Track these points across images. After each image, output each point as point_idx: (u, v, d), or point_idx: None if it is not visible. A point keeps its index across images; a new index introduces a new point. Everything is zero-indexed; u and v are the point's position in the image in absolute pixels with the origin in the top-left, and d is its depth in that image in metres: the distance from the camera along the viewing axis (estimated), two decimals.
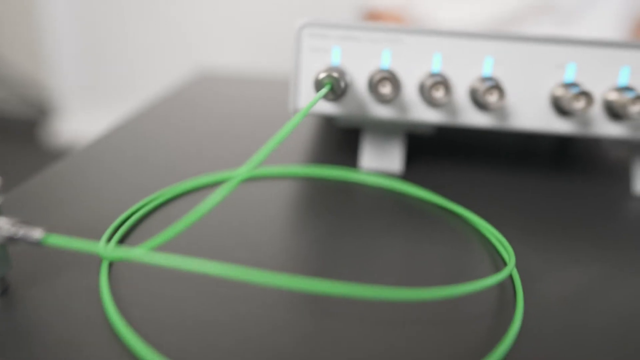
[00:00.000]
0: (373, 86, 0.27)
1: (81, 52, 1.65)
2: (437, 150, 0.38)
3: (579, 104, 0.27)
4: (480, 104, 0.28)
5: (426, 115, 0.29)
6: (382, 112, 0.30)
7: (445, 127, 0.40)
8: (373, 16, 1.04)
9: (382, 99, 0.28)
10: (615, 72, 0.28)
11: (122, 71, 1.64)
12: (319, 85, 0.26)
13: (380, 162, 0.33)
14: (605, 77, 0.28)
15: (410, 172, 0.33)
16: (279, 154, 0.35)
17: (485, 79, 0.28)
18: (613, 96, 0.28)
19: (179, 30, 1.54)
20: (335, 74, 0.26)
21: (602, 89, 0.28)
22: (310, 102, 0.22)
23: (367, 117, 0.30)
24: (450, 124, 0.30)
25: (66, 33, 1.63)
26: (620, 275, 0.23)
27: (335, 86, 0.25)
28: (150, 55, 1.59)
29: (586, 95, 0.27)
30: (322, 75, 0.26)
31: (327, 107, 0.30)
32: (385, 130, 0.33)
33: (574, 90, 0.27)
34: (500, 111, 0.29)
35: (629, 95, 0.27)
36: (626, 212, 0.30)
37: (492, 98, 0.27)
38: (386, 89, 0.27)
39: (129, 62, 1.62)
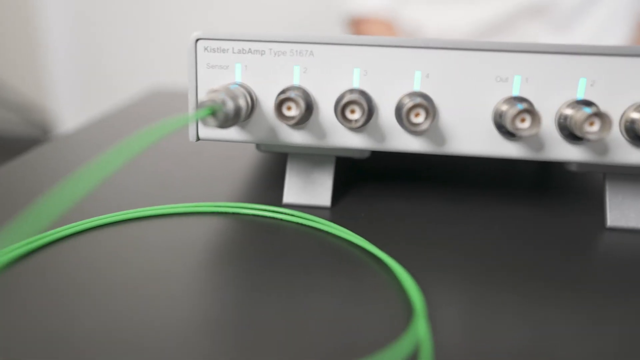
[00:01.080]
0: (277, 108, 0.23)
1: (80, 77, 1.64)
2: (378, 176, 0.33)
3: (524, 124, 0.22)
4: (405, 125, 0.23)
5: (346, 139, 0.25)
6: (296, 137, 0.25)
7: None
8: (359, 23, 1.00)
9: (289, 123, 0.23)
10: (571, 84, 0.23)
11: (118, 92, 1.62)
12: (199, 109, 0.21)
13: (307, 196, 0.28)
14: (559, 90, 0.23)
15: (344, 204, 0.28)
16: (209, 187, 0.31)
17: (412, 95, 0.23)
18: (568, 113, 0.23)
19: (179, 54, 1.51)
20: (219, 98, 0.21)
21: (555, 105, 0.23)
22: (157, 131, 0.17)
23: (280, 144, 0.25)
24: (377, 149, 0.25)
25: (66, 58, 1.63)
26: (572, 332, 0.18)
27: (218, 112, 0.21)
28: (149, 78, 1.57)
29: (530, 112, 0.22)
30: (202, 99, 0.21)
31: (228, 134, 0.25)
32: (311, 157, 0.28)
33: (518, 107, 0.22)
34: (433, 133, 0.24)
35: (586, 111, 0.22)
36: (589, 250, 0.25)
37: (419, 118, 0.22)
38: (292, 112, 0.23)
39: (124, 83, 1.60)
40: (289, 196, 0.28)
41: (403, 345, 0.16)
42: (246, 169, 0.34)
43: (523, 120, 0.22)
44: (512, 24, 0.89)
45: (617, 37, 0.94)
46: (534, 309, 0.19)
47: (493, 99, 0.23)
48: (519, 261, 0.23)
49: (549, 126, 0.23)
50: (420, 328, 0.17)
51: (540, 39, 0.90)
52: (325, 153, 0.28)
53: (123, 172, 0.33)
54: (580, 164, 0.26)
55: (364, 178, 0.33)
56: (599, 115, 0.21)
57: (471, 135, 0.24)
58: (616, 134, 0.23)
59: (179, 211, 0.27)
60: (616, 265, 0.23)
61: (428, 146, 0.24)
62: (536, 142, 0.24)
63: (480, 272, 0.22)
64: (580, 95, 0.23)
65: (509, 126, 0.22)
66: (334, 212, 0.28)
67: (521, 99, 0.23)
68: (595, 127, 0.22)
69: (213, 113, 0.21)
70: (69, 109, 1.71)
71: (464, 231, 0.26)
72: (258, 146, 0.29)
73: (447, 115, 0.24)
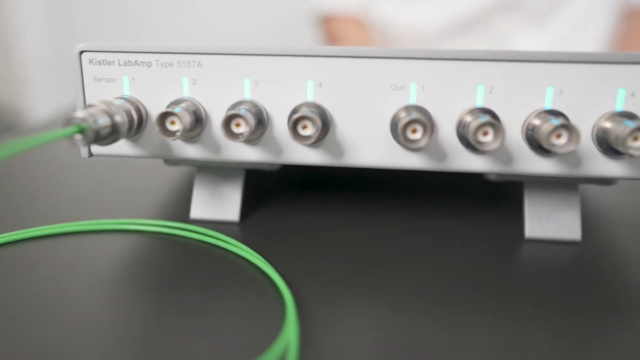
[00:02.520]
0: (159, 122, 0.22)
1: (55, 77, 1.62)
2: (300, 187, 0.32)
3: (415, 135, 0.21)
4: (294, 138, 0.22)
5: (240, 153, 0.23)
6: (189, 151, 0.24)
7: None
8: (330, 21, 0.98)
9: (172, 138, 0.22)
10: (469, 91, 0.22)
11: None
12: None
13: (214, 211, 0.27)
14: (458, 96, 0.22)
15: (256, 218, 0.27)
16: (119, 203, 0.30)
17: (304, 106, 0.22)
18: (467, 120, 0.21)
19: None
20: (91, 115, 0.20)
21: (456, 113, 0.22)
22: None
23: (174, 158, 0.24)
24: (273, 161, 0.24)
25: (42, 63, 1.61)
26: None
27: (87, 130, 0.20)
28: None
29: (420, 122, 0.21)
30: (70, 116, 0.20)
31: (121, 149, 0.24)
32: (220, 170, 0.27)
33: (410, 117, 0.21)
34: (329, 145, 0.23)
35: (481, 119, 0.20)
36: (503, 262, 0.23)
37: (307, 131, 0.21)
38: (176, 126, 0.22)
39: None
40: (196, 211, 0.27)
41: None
42: (163, 183, 0.33)
43: (415, 131, 0.21)
44: (486, 19, 0.88)
45: (597, 30, 0.93)
46: (438, 321, 0.18)
47: (389, 108, 0.22)
48: (431, 272, 0.22)
49: (447, 136, 0.22)
50: (290, 333, 0.16)
51: (515, 34, 0.88)
52: (234, 166, 0.27)
53: (17, 188, 0.32)
54: (499, 174, 0.24)
55: (286, 189, 0.31)
56: (493, 125, 0.20)
57: (369, 146, 0.23)
58: (518, 141, 0.22)
59: (79, 229, 0.26)
60: (529, 277, 0.22)
61: (324, 158, 0.23)
62: (438, 152, 0.23)
63: (392, 286, 0.21)
64: (480, 103, 0.22)
65: (400, 137, 0.21)
66: (244, 226, 0.26)
67: (413, 109, 0.22)
68: (489, 137, 0.20)
69: (81, 131, 0.20)
70: (44, 111, 1.70)
71: (377, 244, 0.25)
72: (165, 160, 0.28)
73: (343, 125, 0.23)
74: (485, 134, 0.21)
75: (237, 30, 1.32)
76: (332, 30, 0.99)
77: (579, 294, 0.21)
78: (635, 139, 0.20)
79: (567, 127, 0.20)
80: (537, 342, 0.18)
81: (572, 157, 0.22)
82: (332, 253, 0.24)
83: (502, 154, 0.22)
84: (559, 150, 0.20)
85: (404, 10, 0.91)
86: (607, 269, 0.23)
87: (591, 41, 0.92)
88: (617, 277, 0.22)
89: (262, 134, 0.23)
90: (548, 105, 0.22)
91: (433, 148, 0.22)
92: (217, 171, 0.27)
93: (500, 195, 0.30)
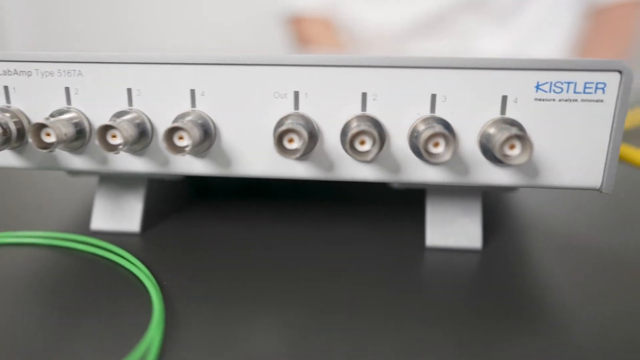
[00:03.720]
0: (34, 134, 0.21)
1: None
2: (198, 198, 0.31)
3: (292, 144, 0.20)
4: (168, 149, 0.21)
5: (125, 164, 0.23)
6: (75, 163, 0.23)
7: None
8: (298, 21, 0.98)
9: (48, 149, 0.21)
10: (353, 98, 0.21)
11: None
12: None
13: (115, 222, 0.26)
14: (342, 103, 0.22)
15: (159, 230, 0.27)
16: (21, 215, 0.29)
17: (185, 115, 0.22)
18: (352, 125, 0.21)
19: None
20: None
21: (341, 121, 0.22)
22: None
23: (60, 169, 0.24)
24: (158, 172, 0.23)
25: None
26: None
27: None
28: None
29: (296, 132, 0.20)
30: None
31: (4, 160, 0.23)
32: (123, 179, 0.27)
33: (289, 125, 0.20)
34: (215, 154, 0.22)
35: (361, 128, 0.20)
36: (401, 272, 0.23)
37: (183, 141, 0.21)
38: (51, 138, 0.21)
39: None
40: (96, 222, 0.26)
41: None
42: (70, 194, 0.32)
43: (291, 140, 0.20)
44: (451, 17, 0.87)
45: (561, 28, 0.93)
46: (335, 332, 0.18)
47: (273, 116, 0.22)
48: (329, 282, 0.22)
49: (333, 144, 0.22)
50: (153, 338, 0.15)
51: (479, 33, 0.88)
52: (135, 176, 0.26)
53: None
54: (401, 182, 0.24)
55: (194, 199, 0.31)
56: (369, 133, 0.20)
57: (254, 156, 0.22)
58: (404, 149, 0.22)
59: None
60: (428, 287, 0.22)
61: (210, 169, 0.23)
62: (326, 161, 0.22)
63: (288, 297, 0.20)
64: (365, 110, 0.21)
65: (276, 146, 0.20)
66: (145, 238, 0.26)
67: (292, 117, 0.21)
68: (367, 146, 0.20)
69: None
70: None
71: (277, 254, 0.24)
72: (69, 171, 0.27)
73: (228, 135, 0.22)
74: (363, 142, 0.20)
75: (207, 31, 1.31)
76: (300, 31, 0.98)
77: (478, 304, 0.21)
78: (512, 147, 0.20)
79: (444, 135, 0.20)
80: (436, 353, 0.17)
81: (460, 166, 0.22)
82: (227, 264, 0.23)
83: (389, 162, 0.22)
84: (434, 159, 0.20)
85: (369, 10, 0.90)
86: (507, 278, 0.23)
87: (555, 39, 0.92)
88: (517, 286, 0.22)
89: (147, 145, 0.22)
90: (432, 112, 0.21)
91: (318, 157, 0.22)
92: (120, 181, 0.27)
93: (409, 203, 0.30)
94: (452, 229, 0.25)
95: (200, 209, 0.29)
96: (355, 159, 0.20)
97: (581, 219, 0.30)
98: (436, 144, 0.20)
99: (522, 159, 0.19)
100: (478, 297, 0.21)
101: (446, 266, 0.24)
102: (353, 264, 0.24)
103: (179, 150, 0.20)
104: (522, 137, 0.19)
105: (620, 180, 0.35)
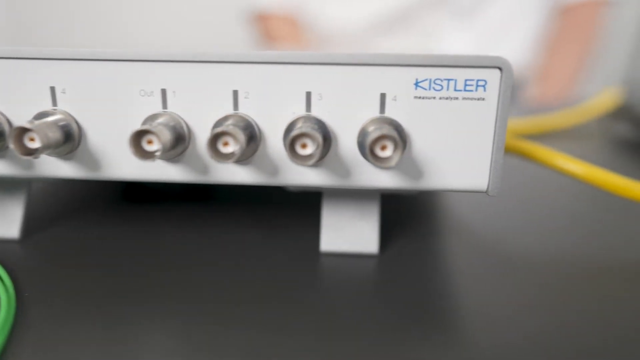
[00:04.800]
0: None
1: None
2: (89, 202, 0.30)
3: (151, 146, 0.19)
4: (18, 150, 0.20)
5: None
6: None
7: None
8: (263, 19, 0.96)
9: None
10: (225, 96, 0.20)
11: None
12: None
13: None
14: (214, 103, 0.20)
15: (42, 236, 0.25)
16: None
17: (43, 115, 0.20)
18: (218, 128, 0.20)
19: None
20: None
21: (209, 121, 0.20)
22: None
23: None
24: (14, 175, 0.22)
25: None
26: None
27: None
28: None
29: (155, 134, 0.19)
30: None
31: None
32: (4, 183, 0.25)
33: (146, 126, 0.19)
34: (80, 158, 0.21)
35: (223, 129, 0.19)
36: (292, 278, 0.22)
37: (34, 143, 0.19)
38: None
39: None
40: None
41: None
42: None
43: (150, 142, 0.19)
44: (415, 14, 0.86)
45: (526, 26, 0.92)
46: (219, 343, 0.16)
47: (139, 115, 0.20)
48: (216, 290, 0.20)
49: (200, 147, 0.20)
50: None
51: (445, 29, 0.87)
52: (17, 180, 0.25)
53: None
54: (278, 185, 0.23)
55: (85, 203, 0.29)
56: (232, 135, 0.19)
57: (122, 158, 0.21)
58: (279, 150, 0.20)
59: None
60: (320, 294, 0.20)
61: (77, 172, 0.21)
62: (198, 163, 0.21)
63: (166, 309, 0.19)
64: (237, 109, 0.20)
65: (132, 150, 0.19)
66: (25, 244, 0.24)
67: (153, 119, 0.20)
68: (230, 148, 0.19)
69: None
70: None
71: (160, 262, 0.23)
72: None
73: (93, 136, 0.21)
74: (226, 144, 0.19)
75: (172, 29, 1.29)
76: (266, 29, 0.97)
77: (373, 312, 0.19)
78: (384, 148, 0.19)
79: (309, 135, 0.18)
80: None
81: (340, 168, 0.20)
82: (106, 275, 0.22)
83: (263, 164, 0.21)
84: (302, 162, 0.18)
85: (334, 7, 0.89)
86: (404, 284, 0.21)
87: (520, 37, 0.91)
88: (414, 293, 0.21)
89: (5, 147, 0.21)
90: (308, 111, 0.20)
91: (191, 159, 0.21)
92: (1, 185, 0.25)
93: (308, 207, 0.28)
94: (348, 233, 0.24)
95: (87, 214, 0.28)
96: (218, 161, 0.19)
97: (499, 221, 0.29)
98: (304, 145, 0.19)
99: (392, 161, 0.18)
100: (371, 306, 0.20)
101: (339, 272, 0.22)
102: (241, 271, 0.22)
103: (30, 152, 0.19)
104: (391, 137, 0.18)
105: (545, 183, 0.34)
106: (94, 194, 0.30)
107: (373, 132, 0.18)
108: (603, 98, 0.48)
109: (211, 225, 0.27)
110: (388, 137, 0.18)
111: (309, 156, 0.18)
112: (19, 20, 1.51)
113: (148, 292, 0.21)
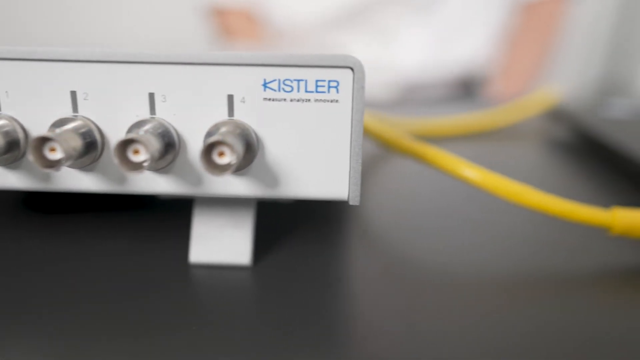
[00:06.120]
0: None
1: None
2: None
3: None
4: None
5: None
6: None
7: None
8: (220, 14, 0.95)
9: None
10: (61, 97, 0.19)
11: None
12: None
13: None
14: (50, 103, 0.19)
15: None
16: None
17: None
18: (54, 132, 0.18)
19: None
20: None
21: (50, 121, 0.19)
22: None
23: None
24: None
25: None
26: None
27: None
28: None
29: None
30: None
31: None
32: None
33: None
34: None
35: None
36: (156, 292, 0.20)
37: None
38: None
39: None
40: None
41: None
42: None
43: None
44: (373, 9, 0.85)
45: (487, 22, 0.92)
46: None
47: None
48: (75, 307, 0.19)
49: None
50: None
51: (404, 22, 0.86)
52: None
53: None
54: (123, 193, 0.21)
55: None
56: (54, 140, 0.17)
57: None
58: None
59: None
60: (187, 309, 0.19)
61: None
62: (36, 170, 0.19)
63: (21, 328, 0.17)
64: (73, 110, 0.19)
65: None
66: None
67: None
68: (58, 154, 0.17)
69: None
70: None
71: (20, 273, 0.21)
72: None
73: None
74: (53, 150, 0.17)
75: (123, 23, 1.26)
76: (223, 24, 0.95)
77: (246, 326, 0.18)
78: (221, 154, 0.17)
79: (140, 141, 0.17)
80: None
81: (190, 174, 0.19)
82: None
83: (103, 170, 0.19)
84: (133, 169, 0.17)
85: (289, 2, 0.88)
86: (278, 297, 0.20)
87: (482, 32, 0.90)
88: (287, 307, 0.19)
89: None
90: (152, 113, 0.19)
91: (30, 163, 0.19)
92: None
93: (182, 215, 0.27)
94: (218, 243, 0.22)
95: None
96: (41, 166, 0.17)
97: (392, 228, 0.27)
98: (136, 152, 0.17)
99: (227, 170, 0.17)
100: (242, 318, 0.18)
101: (209, 285, 0.21)
102: (102, 284, 0.21)
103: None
104: (226, 143, 0.17)
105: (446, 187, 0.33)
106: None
107: (208, 139, 0.17)
108: (541, 97, 0.47)
109: (75, 234, 0.25)
110: (222, 144, 0.17)
111: (140, 163, 0.17)
112: None
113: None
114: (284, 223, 0.26)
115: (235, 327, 0.18)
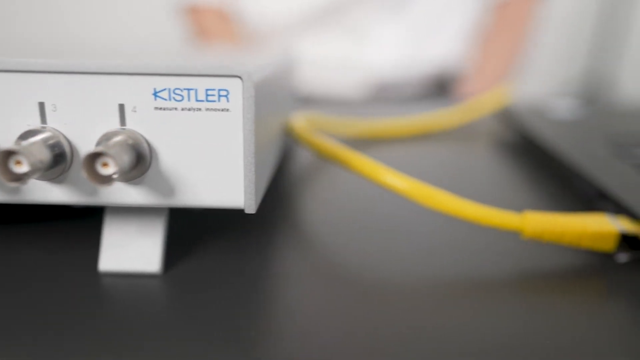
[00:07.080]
0: None
1: None
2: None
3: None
4: None
5: None
6: None
7: None
8: (193, 12, 0.94)
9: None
10: None
11: None
12: None
13: None
14: None
15: None
16: None
17: None
18: None
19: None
20: None
21: None
22: None
23: None
24: None
25: None
26: None
27: None
28: None
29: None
30: None
31: None
32: None
33: None
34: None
35: None
36: (71, 303, 0.20)
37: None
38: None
39: None
40: None
41: None
42: None
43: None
44: (348, 6, 0.85)
45: (460, 20, 0.92)
46: None
47: None
48: None
49: None
50: None
51: (378, 21, 0.86)
52: None
53: None
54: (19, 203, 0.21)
55: None
56: None
57: None
58: None
59: None
60: (95, 321, 0.19)
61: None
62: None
63: None
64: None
65: None
66: None
67: None
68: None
69: None
70: None
71: None
72: None
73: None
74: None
75: (99, 22, 1.25)
76: (197, 23, 0.94)
77: (157, 334, 0.18)
78: (105, 165, 0.17)
79: (20, 152, 0.17)
80: None
81: (80, 183, 0.19)
82: None
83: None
84: (14, 180, 0.17)
85: (263, 2, 0.87)
86: (188, 306, 0.20)
87: (455, 31, 0.91)
88: (199, 316, 0.19)
89: None
90: (44, 123, 0.18)
91: None
92: None
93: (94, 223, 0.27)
94: (130, 250, 0.22)
95: None
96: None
97: (321, 233, 0.27)
98: (18, 163, 0.17)
99: (111, 181, 0.17)
100: (151, 327, 0.18)
101: (119, 293, 0.21)
102: (7, 294, 0.21)
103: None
104: (107, 154, 0.16)
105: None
106: None
107: (89, 150, 0.17)
108: (495, 96, 0.47)
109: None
110: (106, 155, 0.17)
111: (24, 174, 0.17)
112: None
113: None
114: (206, 232, 0.26)
115: (142, 332, 0.18)
